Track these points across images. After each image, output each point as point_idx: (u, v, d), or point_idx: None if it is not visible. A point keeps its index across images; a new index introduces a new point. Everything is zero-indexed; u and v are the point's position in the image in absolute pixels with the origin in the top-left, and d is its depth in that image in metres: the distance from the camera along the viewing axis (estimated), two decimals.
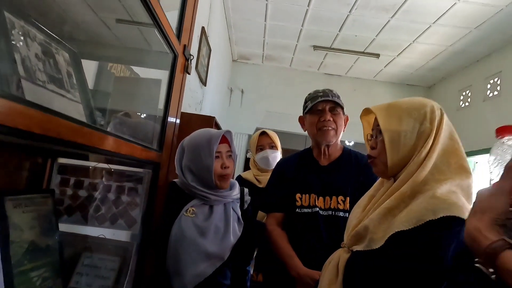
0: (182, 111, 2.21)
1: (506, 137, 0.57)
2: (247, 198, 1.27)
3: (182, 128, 1.96)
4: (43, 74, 0.57)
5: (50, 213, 0.93)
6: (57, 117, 0.42)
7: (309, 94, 1.49)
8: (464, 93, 5.31)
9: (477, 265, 0.52)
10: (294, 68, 6.25)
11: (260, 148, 2.06)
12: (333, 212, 1.36)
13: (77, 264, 0.96)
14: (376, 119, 0.94)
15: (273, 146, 2.03)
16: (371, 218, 0.83)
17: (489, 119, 4.65)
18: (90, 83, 1.12)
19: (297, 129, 6.58)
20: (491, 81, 4.70)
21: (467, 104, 5.22)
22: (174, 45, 0.94)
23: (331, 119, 1.42)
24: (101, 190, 1.04)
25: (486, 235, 0.50)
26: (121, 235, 1.04)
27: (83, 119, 0.66)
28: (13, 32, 0.52)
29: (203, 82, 3.71)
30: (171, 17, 1.15)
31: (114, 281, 0.94)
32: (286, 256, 1.34)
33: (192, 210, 1.10)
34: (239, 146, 5.93)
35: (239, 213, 1.20)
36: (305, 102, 1.49)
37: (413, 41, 4.68)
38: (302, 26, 4.65)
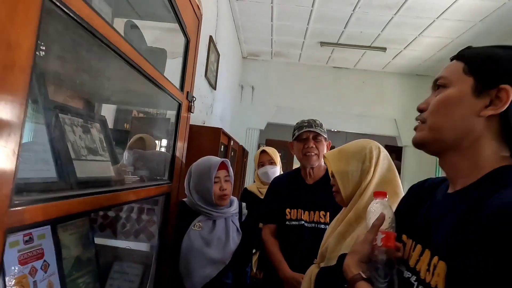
0: (191, 123, 2.45)
1: (377, 200, 0.78)
2: (245, 211, 1.52)
3: (191, 140, 2.19)
4: (84, 149, 0.81)
5: (88, 232, 1.19)
6: (100, 195, 0.66)
7: (296, 123, 1.73)
8: None
9: None
10: (302, 63, 6.37)
11: (261, 164, 2.38)
12: (316, 225, 1.61)
13: (110, 271, 1.22)
14: None
15: (272, 162, 2.33)
16: (329, 241, 1.08)
17: None
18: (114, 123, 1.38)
19: None
20: None
21: None
22: (177, 97, 1.17)
23: (314, 146, 1.66)
24: (126, 210, 1.30)
25: (351, 269, 0.74)
26: (142, 246, 1.30)
27: (112, 173, 0.91)
28: (65, 127, 0.76)
29: (213, 87, 3.93)
30: (175, 64, 1.39)
31: (139, 284, 1.20)
32: (276, 261, 1.62)
33: (199, 224, 1.37)
34: (251, 141, 6.14)
35: (238, 224, 1.45)
36: (293, 130, 1.73)
37: (419, 35, 4.74)
38: (307, 25, 4.78)
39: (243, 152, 4.46)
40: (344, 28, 4.75)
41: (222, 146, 2.68)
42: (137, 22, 1.40)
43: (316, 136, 1.67)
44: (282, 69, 6.37)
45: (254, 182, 2.51)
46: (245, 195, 2.38)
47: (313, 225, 1.61)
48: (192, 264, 1.32)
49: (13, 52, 0.42)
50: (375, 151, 1.11)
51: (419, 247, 0.68)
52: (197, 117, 3.36)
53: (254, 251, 2.01)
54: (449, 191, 0.69)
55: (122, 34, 1.19)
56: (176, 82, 1.31)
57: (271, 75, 6.37)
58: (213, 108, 4.13)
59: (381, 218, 0.74)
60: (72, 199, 0.58)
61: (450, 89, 0.68)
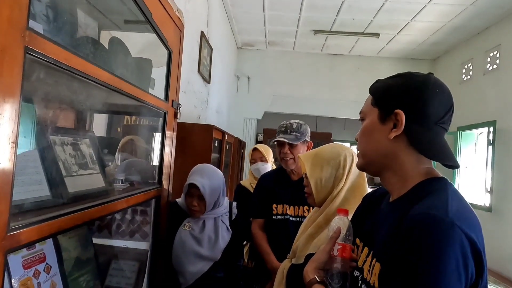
0: (184, 121, 2.52)
1: (338, 216, 0.87)
2: (235, 211, 1.62)
3: (183, 138, 2.28)
4: (75, 165, 0.90)
5: (86, 235, 1.29)
6: (90, 209, 0.76)
7: (278, 126, 1.81)
8: (466, 66, 5.35)
9: None
10: (297, 51, 6.38)
11: (253, 161, 2.51)
12: (300, 219, 1.71)
13: (109, 268, 1.33)
14: None
15: (263, 159, 2.43)
16: (299, 241, 1.17)
17: (489, 93, 4.73)
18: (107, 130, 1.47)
19: (305, 110, 6.86)
20: (491, 54, 4.74)
21: (468, 77, 5.28)
22: (162, 108, 1.25)
23: (288, 151, 1.76)
24: (121, 213, 1.40)
25: (309, 274, 0.84)
26: (138, 245, 1.41)
27: (102, 184, 1.00)
28: (56, 147, 0.84)
29: (207, 81, 3.98)
30: (161, 73, 1.46)
31: (135, 279, 1.31)
32: (264, 253, 1.73)
33: (189, 225, 1.47)
34: (249, 131, 6.20)
35: (228, 223, 1.55)
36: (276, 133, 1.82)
37: (411, 20, 4.74)
38: (299, 14, 4.79)
39: (240, 144, 4.54)
40: (336, 15, 4.76)
41: (216, 142, 2.77)
42: (122, 34, 1.47)
43: (291, 142, 1.75)
44: (277, 58, 6.39)
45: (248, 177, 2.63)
46: (239, 190, 2.51)
47: (298, 219, 1.72)
48: (184, 261, 1.43)
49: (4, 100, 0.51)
50: (349, 159, 1.18)
51: (366, 249, 0.78)
52: (192, 113, 3.44)
53: (245, 242, 2.13)
54: (390, 200, 0.79)
55: (107, 48, 1.27)
56: (163, 89, 1.39)
57: (266, 64, 6.39)
58: (208, 101, 4.20)
59: (337, 232, 0.84)
60: (64, 216, 0.68)
61: (366, 121, 0.81)
